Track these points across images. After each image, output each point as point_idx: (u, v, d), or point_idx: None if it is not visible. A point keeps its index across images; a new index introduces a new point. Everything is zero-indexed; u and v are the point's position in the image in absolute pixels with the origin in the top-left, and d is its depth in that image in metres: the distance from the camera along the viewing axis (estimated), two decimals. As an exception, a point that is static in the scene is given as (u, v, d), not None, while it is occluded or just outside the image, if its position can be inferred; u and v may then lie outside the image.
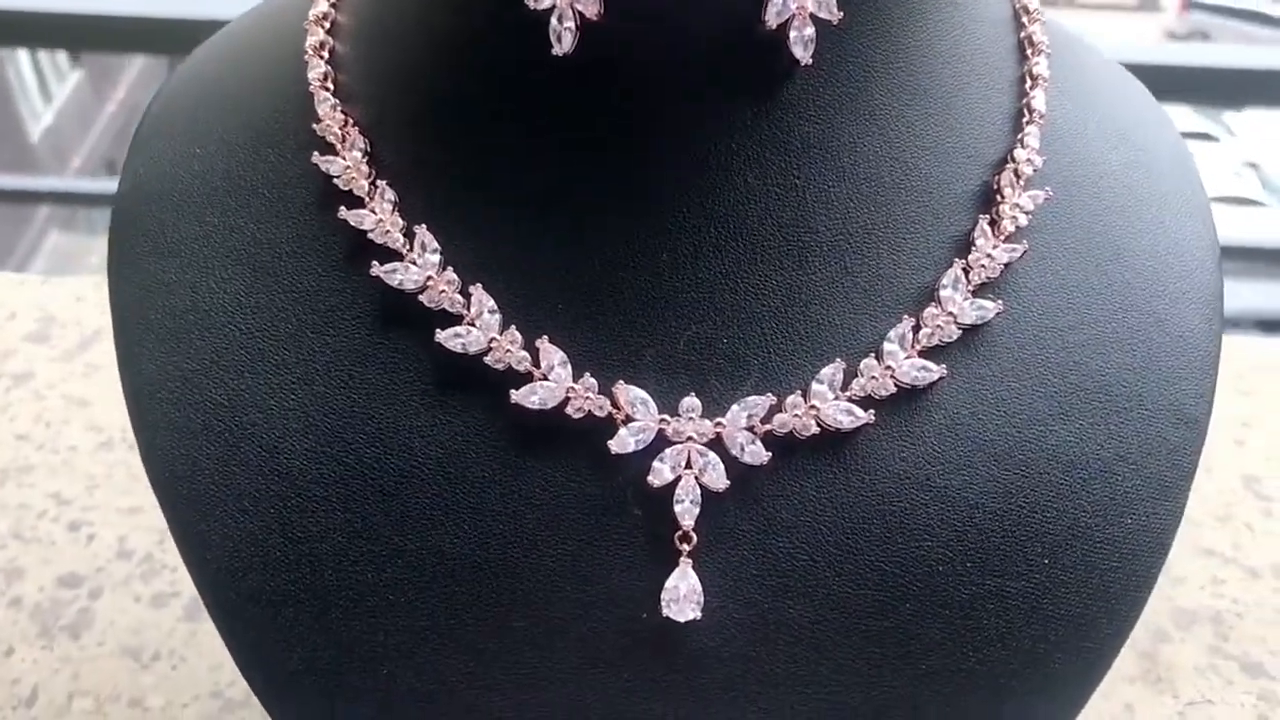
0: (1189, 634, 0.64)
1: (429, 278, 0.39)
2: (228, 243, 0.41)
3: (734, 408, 0.38)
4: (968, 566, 0.38)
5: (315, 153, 0.41)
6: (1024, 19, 0.45)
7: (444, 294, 0.39)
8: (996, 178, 0.41)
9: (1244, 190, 7.10)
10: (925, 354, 0.39)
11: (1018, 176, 0.41)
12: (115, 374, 0.42)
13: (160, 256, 0.42)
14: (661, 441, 0.38)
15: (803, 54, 0.37)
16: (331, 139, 0.41)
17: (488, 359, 0.38)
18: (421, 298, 0.39)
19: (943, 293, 0.39)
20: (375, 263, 0.39)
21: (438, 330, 0.38)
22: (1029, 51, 0.44)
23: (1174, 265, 0.43)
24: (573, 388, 0.38)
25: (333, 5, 0.45)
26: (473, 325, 0.38)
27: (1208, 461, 0.50)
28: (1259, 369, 0.81)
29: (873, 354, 0.39)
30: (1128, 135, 0.45)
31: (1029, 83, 0.43)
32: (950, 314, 0.39)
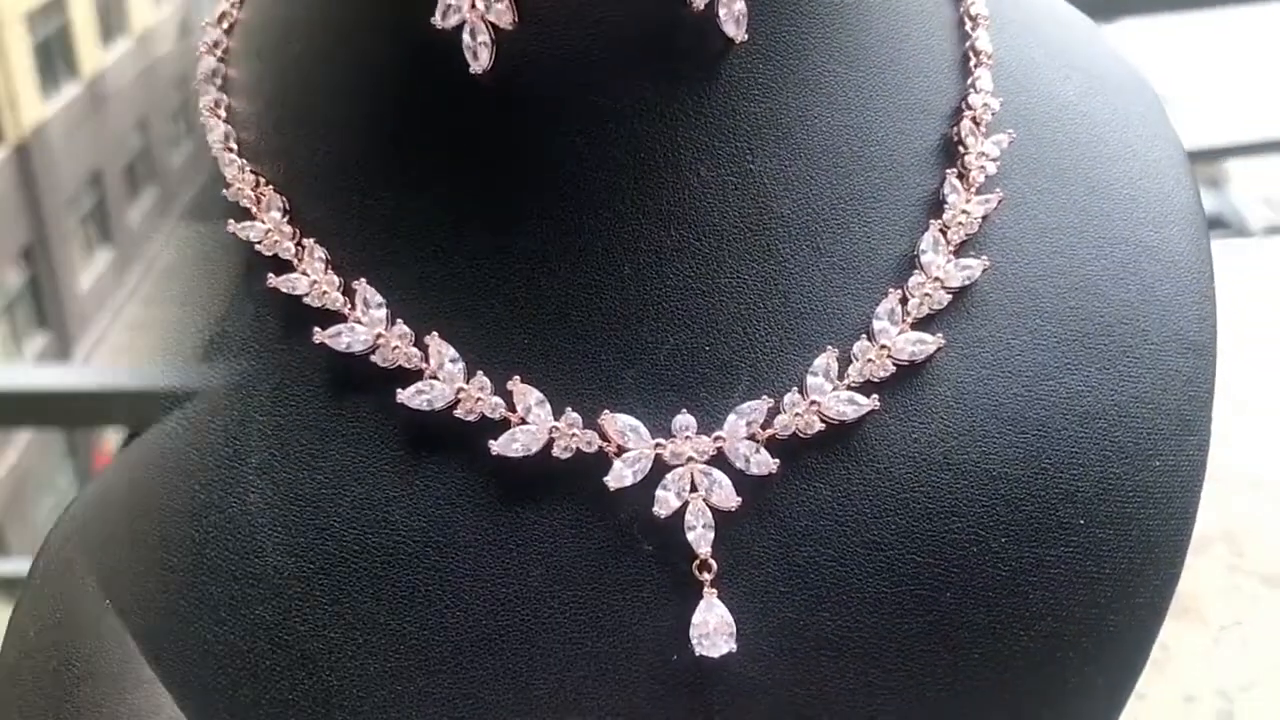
0: (1205, 556, 0.63)
1: (378, 335, 0.36)
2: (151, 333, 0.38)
3: (730, 417, 0.36)
4: (1003, 542, 0.36)
5: (230, 220, 0.38)
6: None
7: (398, 350, 0.36)
8: (955, 128, 0.39)
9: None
10: (917, 325, 0.37)
11: (977, 123, 0.40)
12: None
13: None
14: (660, 468, 0.35)
15: (735, 31, 0.36)
16: (245, 203, 0.38)
17: (457, 411, 0.36)
18: (374, 358, 0.36)
19: (924, 258, 0.38)
20: (317, 329, 0.36)
21: (398, 390, 0.36)
22: None
23: (1151, 189, 0.41)
24: (556, 426, 0.35)
25: (221, 60, 0.42)
26: (435, 378, 0.36)
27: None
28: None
29: (864, 335, 0.37)
30: (1076, 62, 0.44)
31: (969, 23, 0.42)
32: (936, 279, 0.37)
